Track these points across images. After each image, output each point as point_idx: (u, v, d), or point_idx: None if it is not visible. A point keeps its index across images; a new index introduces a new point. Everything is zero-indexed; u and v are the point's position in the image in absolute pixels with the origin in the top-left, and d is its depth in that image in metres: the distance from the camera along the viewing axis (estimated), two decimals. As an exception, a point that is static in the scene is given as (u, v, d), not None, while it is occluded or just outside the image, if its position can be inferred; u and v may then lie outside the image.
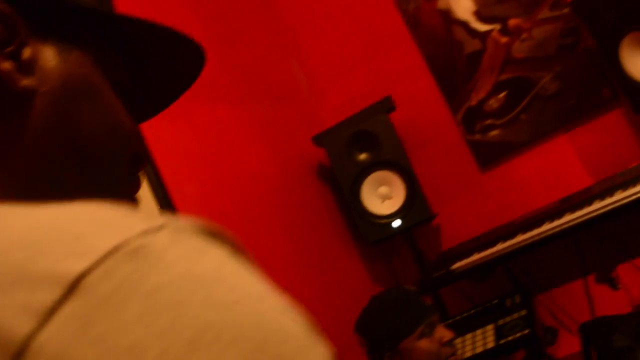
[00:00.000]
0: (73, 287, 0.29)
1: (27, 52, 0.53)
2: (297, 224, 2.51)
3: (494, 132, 2.60)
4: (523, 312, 2.18)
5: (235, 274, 0.32)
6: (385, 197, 2.55)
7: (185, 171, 2.14)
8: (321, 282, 2.48)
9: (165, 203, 1.94)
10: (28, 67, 0.53)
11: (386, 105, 2.52)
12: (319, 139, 2.62)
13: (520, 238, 2.16)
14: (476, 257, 2.26)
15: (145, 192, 1.90)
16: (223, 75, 2.49)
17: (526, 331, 2.09)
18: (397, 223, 2.51)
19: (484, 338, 2.21)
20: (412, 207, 2.51)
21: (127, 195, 0.58)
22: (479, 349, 2.17)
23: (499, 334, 2.16)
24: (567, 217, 2.06)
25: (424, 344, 1.68)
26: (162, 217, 0.34)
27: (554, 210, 2.23)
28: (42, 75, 0.53)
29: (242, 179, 2.37)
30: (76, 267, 0.30)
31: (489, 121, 2.60)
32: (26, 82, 0.52)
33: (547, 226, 2.11)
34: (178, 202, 2.00)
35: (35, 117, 0.53)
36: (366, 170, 2.55)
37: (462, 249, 2.46)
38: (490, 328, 2.22)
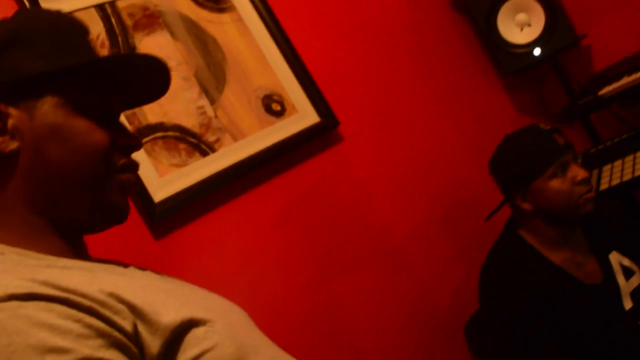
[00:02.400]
0: None
1: (10, 122, 0.69)
2: (433, 61, 2.43)
3: (649, -63, 2.28)
4: (679, 137, 2.01)
5: None
6: (523, 25, 2.39)
7: (310, 25, 2.13)
8: (464, 117, 2.43)
9: (294, 60, 1.98)
10: (13, 133, 0.69)
11: None
12: (449, -30, 2.47)
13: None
14: (626, 80, 2.09)
15: (274, 54, 1.95)
16: None
17: (680, 157, 1.93)
18: (537, 51, 2.37)
19: (634, 165, 2.07)
20: (554, 32, 2.33)
21: (117, 194, 0.76)
22: (627, 177, 2.00)
23: (650, 160, 1.99)
24: None
25: (556, 183, 1.62)
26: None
27: None
28: (21, 136, 0.69)
29: (372, 22, 2.30)
30: None
31: None
32: (12, 146, 0.69)
33: None
34: (306, 58, 2.02)
35: (19, 170, 0.69)
36: (501, -3, 2.38)
37: (612, 72, 2.27)
38: (641, 154, 2.06)
